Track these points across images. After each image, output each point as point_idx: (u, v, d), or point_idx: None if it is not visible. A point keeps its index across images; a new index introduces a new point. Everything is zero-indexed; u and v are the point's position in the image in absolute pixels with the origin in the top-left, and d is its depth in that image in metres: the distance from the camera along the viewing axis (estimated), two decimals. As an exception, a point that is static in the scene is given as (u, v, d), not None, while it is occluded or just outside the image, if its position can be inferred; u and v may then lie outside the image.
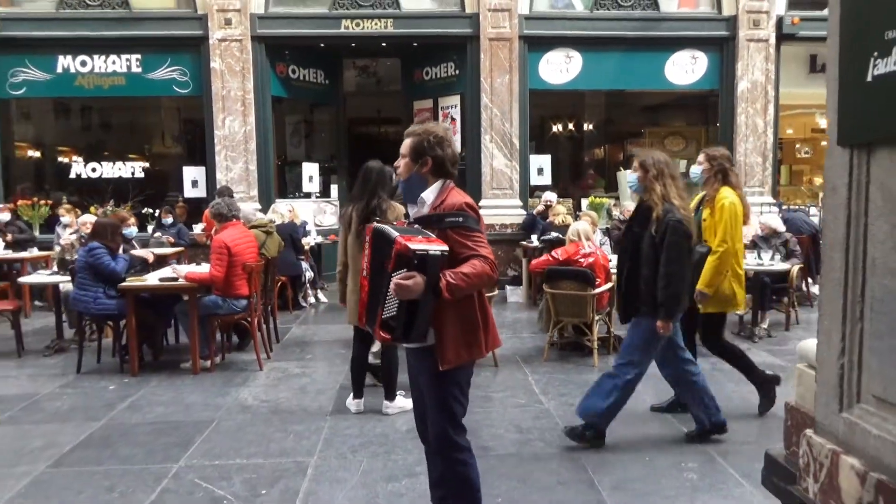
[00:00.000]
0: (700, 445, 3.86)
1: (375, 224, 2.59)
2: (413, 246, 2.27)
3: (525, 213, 9.42)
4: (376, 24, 9.32)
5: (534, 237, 8.50)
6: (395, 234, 2.33)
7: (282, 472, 3.59)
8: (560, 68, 9.64)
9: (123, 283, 5.47)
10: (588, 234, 5.77)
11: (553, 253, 5.89)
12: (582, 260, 5.56)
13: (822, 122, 11.29)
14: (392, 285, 2.28)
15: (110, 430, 4.26)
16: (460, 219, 2.45)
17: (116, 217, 6.38)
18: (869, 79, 1.29)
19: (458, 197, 2.53)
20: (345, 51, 10.43)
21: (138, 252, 6.82)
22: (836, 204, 1.40)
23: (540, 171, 9.91)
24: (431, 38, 9.54)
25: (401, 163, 2.63)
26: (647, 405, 4.46)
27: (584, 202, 9.94)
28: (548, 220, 8.46)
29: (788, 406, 1.73)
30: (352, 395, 4.56)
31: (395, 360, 4.45)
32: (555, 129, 12.47)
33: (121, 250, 5.89)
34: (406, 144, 2.61)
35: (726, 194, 4.13)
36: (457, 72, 9.76)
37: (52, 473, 3.61)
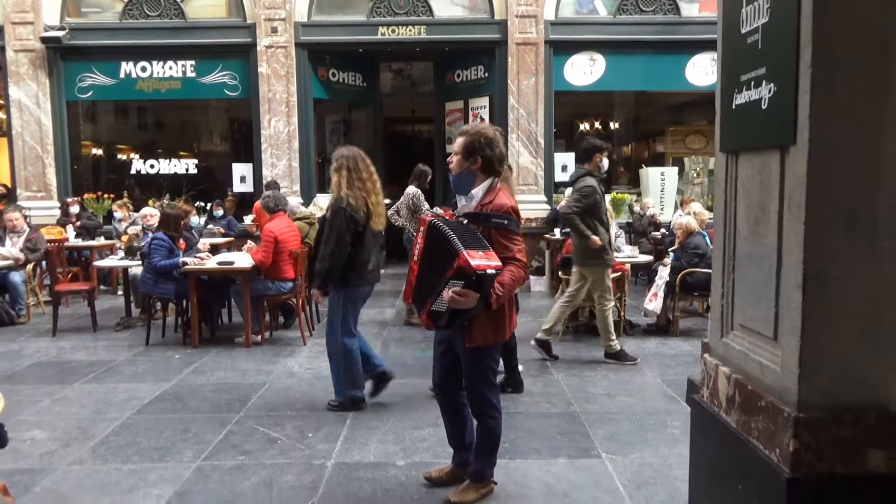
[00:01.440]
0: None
1: (433, 220, 2.82)
2: (474, 263, 2.55)
3: (549, 208, 9.97)
4: (410, 30, 9.98)
5: (556, 230, 9.05)
6: (459, 246, 2.59)
7: (325, 421, 4.26)
8: (584, 70, 10.16)
9: (187, 266, 6.22)
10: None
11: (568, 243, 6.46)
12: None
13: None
14: (449, 293, 2.62)
15: (180, 388, 5.01)
16: (505, 221, 2.80)
17: (180, 210, 7.14)
18: (733, 107, 1.86)
19: (506, 200, 2.88)
20: (381, 55, 11.12)
21: (193, 259, 7.41)
22: (720, 192, 1.97)
23: (564, 168, 10.43)
24: (462, 43, 10.15)
25: (453, 159, 3.03)
26: (654, 380, 5.02)
27: (608, 198, 10.43)
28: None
29: (702, 342, 2.30)
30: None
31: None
32: (581, 128, 12.96)
33: (181, 239, 6.66)
34: (459, 143, 3.02)
35: None
36: (486, 74, 10.36)
37: (136, 419, 4.36)
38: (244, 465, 3.64)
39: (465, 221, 2.88)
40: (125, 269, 7.32)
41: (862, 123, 1.49)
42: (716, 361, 1.98)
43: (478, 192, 2.96)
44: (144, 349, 6.21)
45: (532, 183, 10.10)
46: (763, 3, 1.68)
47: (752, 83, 1.73)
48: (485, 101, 10.43)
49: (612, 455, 3.71)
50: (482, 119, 10.43)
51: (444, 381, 3.24)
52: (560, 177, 10.42)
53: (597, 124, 12.95)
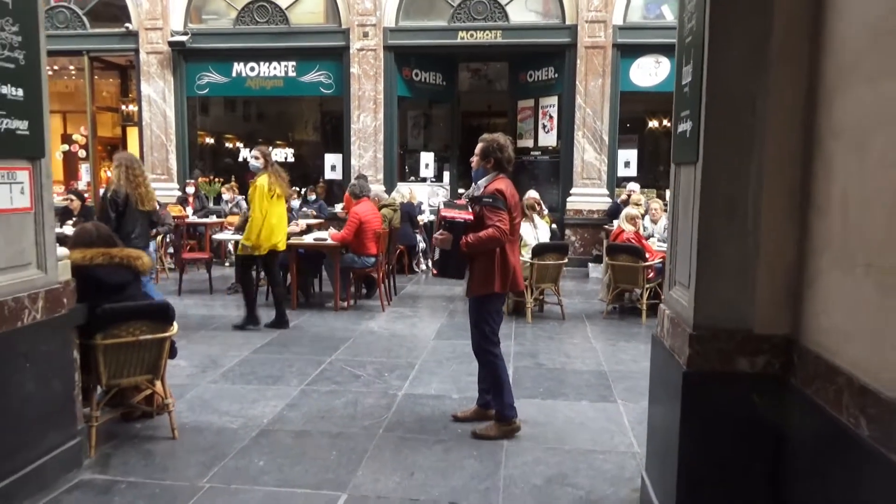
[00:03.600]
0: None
1: (444, 202, 4.18)
2: (445, 214, 3.81)
3: (610, 201, 10.70)
4: (488, 34, 10.90)
5: (615, 222, 9.79)
6: (442, 208, 3.82)
7: (399, 367, 5.33)
8: (649, 72, 10.79)
9: (290, 240, 7.45)
10: (632, 219, 7.13)
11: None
12: (630, 239, 6.94)
13: None
14: (434, 238, 3.82)
15: (284, 337, 6.21)
16: (490, 199, 3.79)
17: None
18: (677, 133, 2.70)
19: (496, 185, 3.81)
20: (460, 56, 12.11)
21: (290, 227, 8.74)
22: (670, 191, 2.82)
23: (626, 164, 11.12)
24: (534, 47, 11.00)
25: (474, 159, 4.07)
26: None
27: (668, 192, 11.03)
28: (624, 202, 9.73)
29: (662, 298, 3.14)
30: None
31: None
32: (649, 125, 13.51)
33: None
34: (478, 147, 4.02)
35: None
36: (556, 75, 11.16)
37: (253, 357, 5.57)
38: (336, 390, 4.75)
39: (468, 202, 3.95)
40: (236, 242, 8.66)
41: (737, 148, 2.32)
42: (664, 308, 2.85)
43: (482, 181, 3.97)
44: (252, 308, 7.49)
45: (595, 177, 10.84)
46: (690, 67, 2.53)
47: (685, 119, 2.59)
48: (554, 100, 11.24)
49: (625, 401, 4.57)
50: (550, 117, 11.26)
51: (472, 335, 4.15)
52: (623, 172, 11.12)
53: (665, 122, 13.47)
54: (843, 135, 2.02)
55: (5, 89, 2.87)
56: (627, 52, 10.72)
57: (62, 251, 3.38)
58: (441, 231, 3.86)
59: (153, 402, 4.06)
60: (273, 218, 6.40)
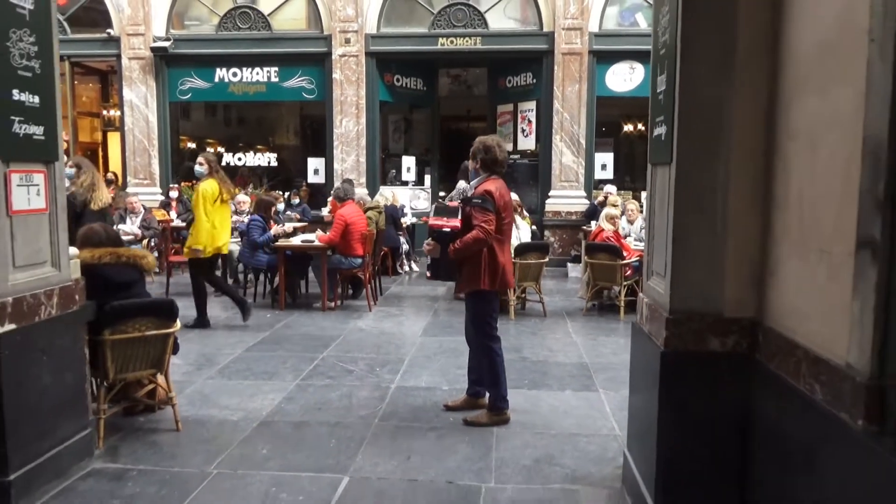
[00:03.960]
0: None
1: (436, 206, 4.38)
2: (433, 223, 4.12)
3: (588, 202, 11.01)
4: (467, 41, 11.17)
5: (594, 223, 10.09)
6: (432, 216, 4.11)
7: (389, 362, 5.53)
8: (624, 78, 11.13)
9: (276, 243, 7.62)
10: (612, 219, 7.42)
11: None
12: (608, 238, 7.23)
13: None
14: (423, 246, 4.09)
15: (276, 335, 6.38)
16: (479, 201, 4.00)
17: (272, 197, 8.58)
18: (653, 136, 2.96)
19: (484, 186, 4.02)
20: (440, 62, 12.35)
21: (279, 228, 8.96)
22: (648, 190, 3.08)
23: (603, 166, 11.46)
24: (513, 53, 11.29)
25: (468, 164, 4.37)
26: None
27: (644, 194, 11.39)
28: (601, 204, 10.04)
29: (641, 288, 3.40)
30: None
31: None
32: (624, 129, 13.87)
33: (272, 222, 8.07)
34: (470, 151, 4.26)
35: None
36: (534, 81, 11.46)
37: (247, 354, 5.73)
38: (330, 384, 4.94)
39: (460, 203, 4.17)
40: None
41: (707, 149, 2.58)
42: (643, 297, 3.11)
43: (474, 182, 4.23)
44: (241, 310, 7.63)
45: (573, 180, 11.15)
46: (664, 77, 2.80)
47: (660, 123, 2.85)
48: (532, 104, 11.54)
49: (606, 390, 4.83)
50: (529, 121, 11.56)
51: (466, 329, 4.41)
52: (599, 174, 11.45)
53: (640, 126, 13.85)
54: (799, 138, 2.29)
55: (23, 97, 3.03)
56: (603, 58, 11.05)
57: (72, 250, 3.53)
58: (429, 241, 4.14)
59: (155, 397, 4.21)
60: (217, 222, 6.60)
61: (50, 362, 3.21)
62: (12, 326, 2.94)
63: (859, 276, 1.87)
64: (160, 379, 4.06)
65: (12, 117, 2.97)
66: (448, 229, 4.06)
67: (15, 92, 2.98)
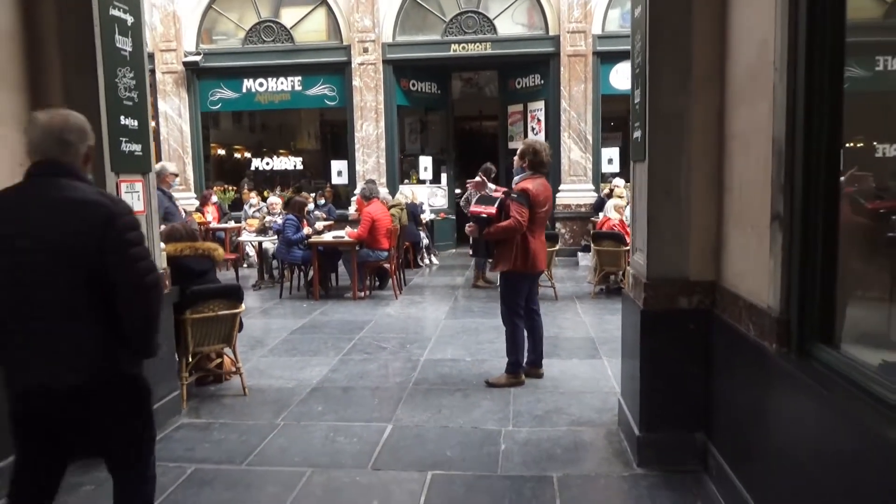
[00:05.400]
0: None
1: (480, 196, 5.08)
2: (473, 209, 4.80)
3: (596, 195, 11.68)
4: (478, 46, 11.87)
5: (601, 214, 10.76)
6: (472, 201, 4.80)
7: (418, 340, 6.27)
8: (627, 76, 11.68)
9: (311, 239, 8.38)
10: (618, 209, 8.09)
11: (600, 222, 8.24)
12: (614, 227, 7.91)
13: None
14: (466, 228, 4.79)
15: (314, 322, 7.15)
16: (515, 195, 4.72)
17: (304, 198, 9.36)
18: (633, 138, 3.66)
19: (525, 183, 4.69)
20: (453, 66, 13.06)
21: (311, 229, 9.66)
22: (632, 184, 3.78)
23: (610, 160, 12.11)
24: (521, 56, 11.96)
25: (515, 159, 5.01)
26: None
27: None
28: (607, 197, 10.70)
29: (629, 262, 4.10)
30: None
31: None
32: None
33: (305, 221, 8.84)
34: (519, 150, 4.97)
35: None
36: (542, 82, 12.13)
37: (291, 337, 6.49)
38: (368, 358, 5.69)
39: (502, 194, 4.87)
40: (260, 243, 9.59)
41: (672, 148, 3.28)
42: (630, 269, 3.82)
43: (517, 178, 4.92)
44: (279, 301, 8.42)
45: (581, 174, 11.82)
46: (639, 91, 3.50)
47: (637, 128, 3.55)
48: (541, 104, 12.21)
49: (609, 358, 5.53)
50: (538, 120, 12.24)
51: (501, 306, 5.11)
52: (606, 168, 12.10)
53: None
54: (737, 139, 2.99)
55: (127, 121, 3.80)
56: (606, 58, 11.69)
57: (160, 245, 4.30)
58: (470, 224, 4.84)
59: (222, 369, 4.99)
60: None
61: (150, 335, 3.97)
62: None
63: (773, 241, 2.57)
64: (228, 352, 4.82)
65: (121, 138, 3.73)
66: (485, 215, 4.74)
67: (122, 118, 3.75)
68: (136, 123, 3.87)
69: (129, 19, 3.82)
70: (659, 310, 3.37)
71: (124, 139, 3.76)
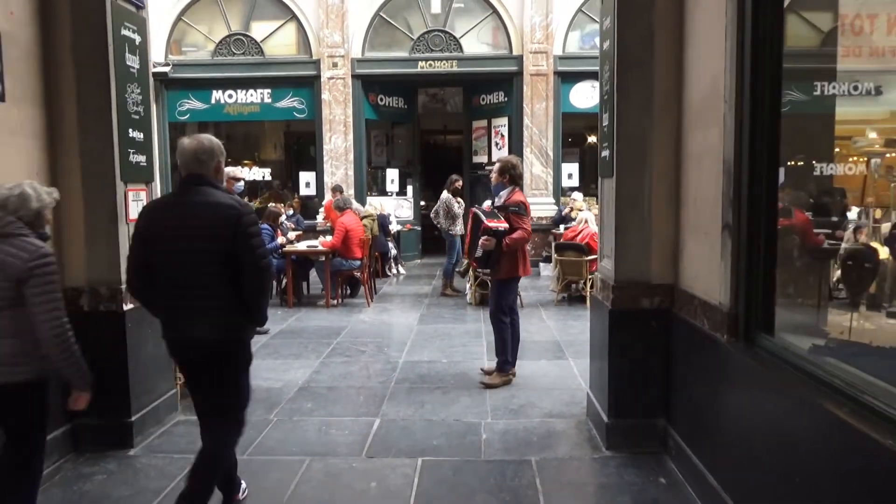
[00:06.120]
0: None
1: (475, 209, 5.30)
2: (490, 224, 5.00)
3: (557, 208, 12.21)
4: (444, 63, 12.30)
5: (562, 226, 11.28)
6: (484, 218, 5.03)
7: (394, 343, 6.59)
8: (587, 95, 12.36)
9: (285, 248, 8.62)
10: (588, 221, 8.59)
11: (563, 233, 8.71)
12: (579, 238, 8.40)
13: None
14: (481, 242, 5.03)
15: (291, 328, 7.39)
16: (516, 208, 5.07)
17: (277, 209, 9.58)
18: (601, 157, 4.10)
19: (516, 196, 5.11)
20: (419, 83, 13.46)
21: (285, 238, 9.87)
22: (599, 198, 4.22)
23: (570, 175, 12.68)
24: (486, 74, 12.46)
25: (493, 176, 5.30)
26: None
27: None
28: (567, 213, 11.25)
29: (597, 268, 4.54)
30: None
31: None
32: (588, 141, 15.13)
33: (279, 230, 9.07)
34: (497, 167, 5.26)
35: None
36: (505, 99, 12.64)
37: (272, 342, 6.73)
38: (348, 361, 5.98)
39: (496, 210, 5.20)
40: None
41: (636, 166, 3.72)
42: (598, 274, 4.25)
43: (504, 194, 5.26)
44: (253, 308, 8.60)
45: (543, 188, 12.34)
46: (607, 115, 3.94)
47: (605, 148, 3.99)
48: (504, 120, 12.71)
49: (575, 359, 5.95)
50: (502, 136, 12.74)
51: (491, 307, 5.46)
52: (567, 183, 12.66)
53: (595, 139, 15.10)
54: (691, 159, 3.45)
55: (134, 134, 4.05)
56: (567, 78, 12.27)
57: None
58: (486, 237, 4.98)
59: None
60: None
61: (153, 335, 4.20)
62: (132, 305, 3.95)
63: (723, 247, 3.02)
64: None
65: (129, 150, 3.98)
66: (502, 228, 4.99)
67: (130, 130, 4.00)
68: (141, 136, 4.13)
69: (137, 39, 4.08)
70: (625, 309, 3.79)
71: (132, 150, 4.01)
